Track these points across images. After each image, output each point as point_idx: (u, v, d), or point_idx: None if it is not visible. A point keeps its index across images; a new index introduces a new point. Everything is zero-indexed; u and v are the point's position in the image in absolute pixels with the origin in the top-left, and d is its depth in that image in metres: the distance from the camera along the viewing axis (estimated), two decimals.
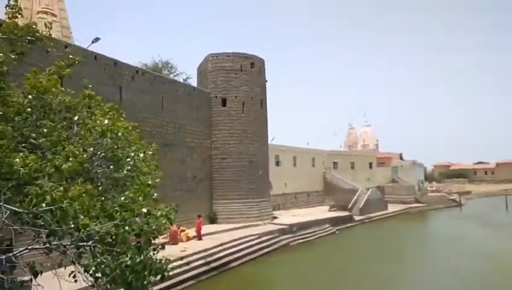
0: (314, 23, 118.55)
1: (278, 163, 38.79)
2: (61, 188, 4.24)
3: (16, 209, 3.87)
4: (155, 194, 6.66)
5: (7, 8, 7.02)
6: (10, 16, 6.85)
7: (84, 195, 4.32)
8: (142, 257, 6.12)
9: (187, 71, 56.70)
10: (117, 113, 7.32)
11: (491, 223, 34.31)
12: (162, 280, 6.40)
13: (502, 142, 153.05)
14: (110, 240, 4.88)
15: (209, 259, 18.03)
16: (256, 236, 23.13)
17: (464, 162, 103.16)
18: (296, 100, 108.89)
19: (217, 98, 27.58)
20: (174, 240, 19.85)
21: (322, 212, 35.95)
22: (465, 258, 21.08)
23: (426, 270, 18.80)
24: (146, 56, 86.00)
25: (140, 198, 5.89)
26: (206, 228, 23.18)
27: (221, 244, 20.08)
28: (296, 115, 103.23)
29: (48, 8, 22.62)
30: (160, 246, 6.67)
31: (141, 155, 6.46)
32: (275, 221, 28.24)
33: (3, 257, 4.47)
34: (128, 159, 6.43)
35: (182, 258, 16.72)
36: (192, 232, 21.41)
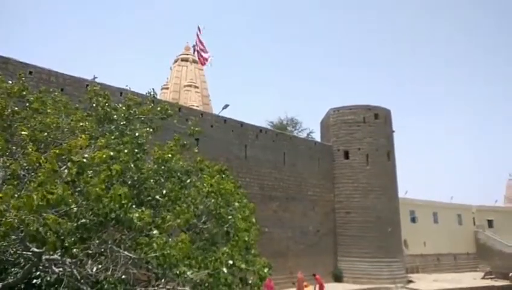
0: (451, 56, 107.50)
1: (413, 219, 35.15)
2: (164, 238, 5.21)
3: (131, 255, 4.92)
4: (253, 251, 7.28)
5: (147, 93, 9.28)
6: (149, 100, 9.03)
7: (180, 244, 5.15)
8: None
9: (312, 126, 58.46)
10: (223, 174, 8.45)
11: None
12: None
13: None
14: (204, 287, 5.61)
15: None
16: None
17: None
18: (435, 150, 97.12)
19: (339, 150, 27.57)
20: None
21: (472, 279, 30.27)
22: None
23: None
24: (274, 113, 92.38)
25: (236, 253, 6.55)
26: (330, 287, 22.25)
27: None
28: (436, 166, 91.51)
29: (192, 82, 27.61)
30: None
31: (239, 215, 7.18)
32: (410, 285, 25.17)
33: None
34: (229, 217, 7.30)
35: None
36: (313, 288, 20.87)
